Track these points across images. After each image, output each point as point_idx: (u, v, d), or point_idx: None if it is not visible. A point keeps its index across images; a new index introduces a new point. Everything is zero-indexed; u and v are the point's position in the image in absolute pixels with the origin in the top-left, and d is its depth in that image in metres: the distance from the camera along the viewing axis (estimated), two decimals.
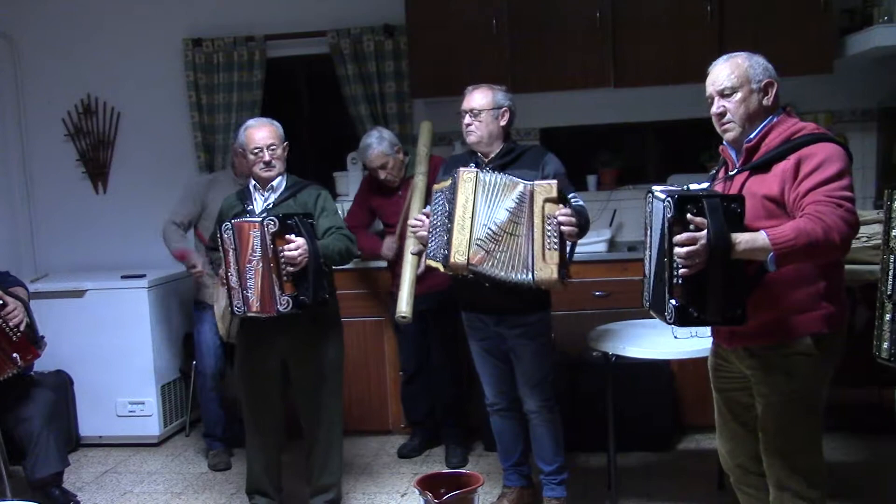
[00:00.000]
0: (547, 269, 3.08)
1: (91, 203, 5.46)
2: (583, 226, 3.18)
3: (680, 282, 2.30)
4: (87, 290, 4.74)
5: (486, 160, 3.36)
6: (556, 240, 3.07)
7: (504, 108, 3.37)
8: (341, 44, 4.99)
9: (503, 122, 3.37)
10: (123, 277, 4.77)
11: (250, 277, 3.22)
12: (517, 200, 3.12)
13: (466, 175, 3.18)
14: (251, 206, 3.43)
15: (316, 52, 5.16)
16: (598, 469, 4.01)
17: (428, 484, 2.58)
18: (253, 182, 3.49)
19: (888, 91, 4.71)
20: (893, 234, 1.90)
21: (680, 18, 4.46)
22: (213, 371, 4.42)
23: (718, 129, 2.61)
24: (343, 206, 4.58)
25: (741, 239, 2.27)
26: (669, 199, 2.30)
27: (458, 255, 3.14)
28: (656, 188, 2.54)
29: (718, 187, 2.61)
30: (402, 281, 3.80)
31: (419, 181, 4.03)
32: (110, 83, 5.33)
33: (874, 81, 4.72)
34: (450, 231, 3.16)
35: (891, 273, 1.92)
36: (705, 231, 2.25)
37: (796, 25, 4.34)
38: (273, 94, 5.20)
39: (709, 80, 2.60)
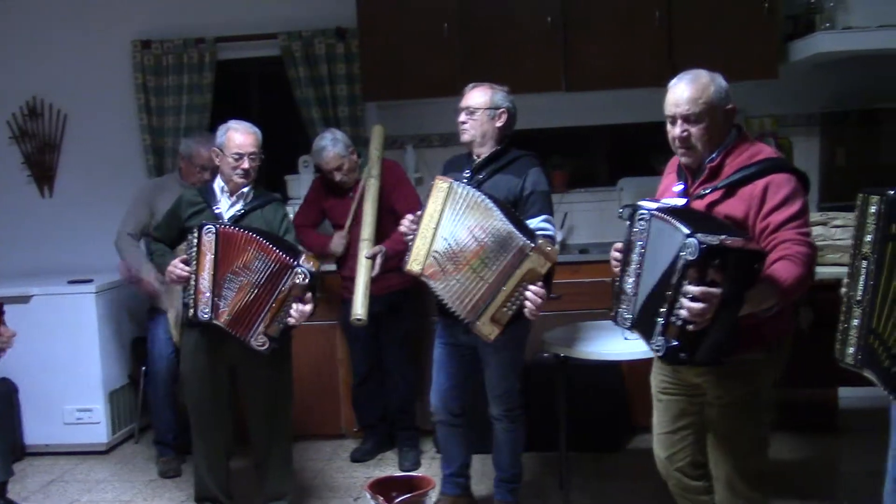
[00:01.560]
0: (489, 327, 2.98)
1: (37, 207, 5.35)
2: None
3: (679, 324, 2.26)
4: (33, 296, 4.65)
5: (477, 162, 3.31)
6: (515, 307, 2.95)
7: (501, 110, 3.30)
8: (292, 46, 4.96)
9: (499, 124, 3.30)
10: (70, 282, 4.69)
11: (229, 289, 3.17)
12: (497, 242, 2.95)
13: (440, 184, 3.11)
14: (217, 209, 3.38)
15: (267, 55, 5.12)
16: (550, 469, 4.04)
17: (380, 488, 2.58)
18: (220, 183, 3.43)
19: (830, 96, 4.82)
20: (866, 239, 1.91)
21: (630, 24, 4.52)
22: (166, 377, 4.36)
23: (676, 150, 2.61)
24: (295, 210, 4.55)
25: (753, 296, 2.26)
26: (696, 244, 2.18)
27: (415, 264, 3.10)
28: (649, 204, 2.49)
29: (698, 205, 2.59)
30: (357, 284, 3.79)
31: (371, 185, 4.03)
32: (57, 85, 5.23)
33: (817, 87, 4.83)
34: (415, 238, 3.12)
35: (862, 279, 1.92)
36: (720, 290, 2.19)
37: (742, 32, 4.42)
38: (224, 97, 5.15)
39: (671, 100, 2.57)
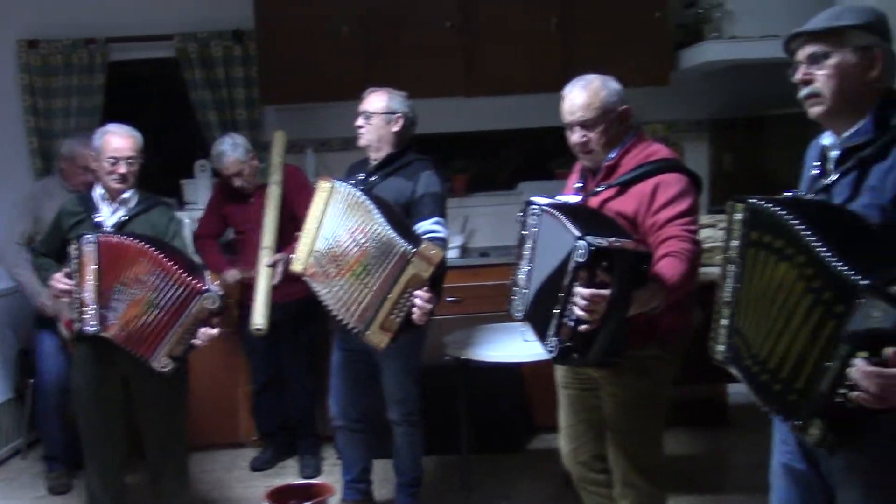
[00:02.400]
0: (379, 336, 2.90)
1: None
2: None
3: (571, 325, 2.29)
4: None
5: (372, 166, 3.31)
6: (403, 314, 2.87)
7: (398, 115, 3.29)
8: (188, 48, 4.86)
9: (395, 129, 3.29)
10: None
11: (118, 300, 3.03)
12: (378, 248, 2.89)
13: (323, 185, 3.11)
14: (98, 218, 3.26)
15: (162, 56, 5.00)
16: (451, 472, 4.06)
17: (278, 496, 2.56)
18: (100, 191, 3.32)
19: (719, 103, 5.01)
20: (733, 244, 1.99)
21: (528, 30, 4.59)
22: (56, 389, 4.19)
23: (577, 154, 2.68)
24: (192, 215, 4.46)
25: (641, 296, 2.30)
26: (586, 247, 2.21)
27: (297, 264, 3.08)
28: (541, 200, 2.56)
29: (593, 202, 2.66)
30: (257, 292, 3.73)
31: (274, 191, 3.97)
32: None
33: (706, 94, 5.00)
34: (299, 239, 3.11)
35: (729, 281, 2.00)
36: (609, 290, 2.23)
37: (635, 40, 4.54)
38: (116, 99, 5.00)
39: (566, 108, 2.63)
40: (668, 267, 2.39)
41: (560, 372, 2.88)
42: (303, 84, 4.59)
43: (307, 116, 4.97)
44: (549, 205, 2.53)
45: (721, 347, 2.04)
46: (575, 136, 2.64)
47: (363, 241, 2.92)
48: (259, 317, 3.64)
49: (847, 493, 1.95)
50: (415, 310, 2.86)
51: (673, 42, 4.72)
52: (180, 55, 4.87)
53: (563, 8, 4.56)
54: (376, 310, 2.89)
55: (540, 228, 2.55)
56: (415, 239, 2.90)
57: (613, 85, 2.65)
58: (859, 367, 1.63)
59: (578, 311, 2.24)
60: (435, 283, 2.90)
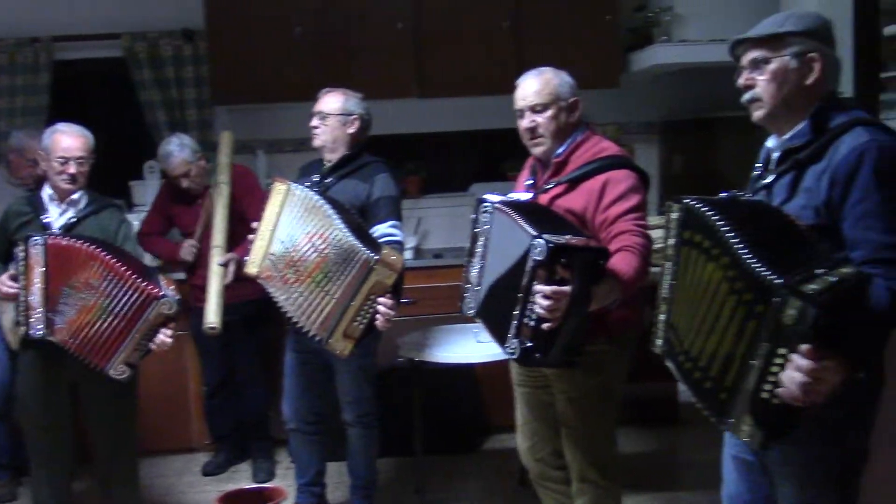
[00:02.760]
0: (342, 343, 2.88)
1: None
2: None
3: (532, 325, 2.29)
4: None
5: (326, 167, 3.29)
6: (366, 321, 2.86)
7: (354, 116, 3.29)
8: (137, 47, 4.78)
9: (351, 130, 3.29)
10: None
11: (66, 304, 2.96)
12: (339, 254, 2.85)
13: (279, 187, 3.07)
14: (46, 219, 3.20)
15: (110, 56, 4.91)
16: (406, 473, 4.06)
17: (230, 501, 2.53)
18: (49, 191, 3.25)
19: (668, 105, 5.08)
20: (670, 243, 2.05)
21: (480, 32, 4.60)
22: (1, 394, 4.09)
23: (527, 143, 2.70)
24: (140, 217, 4.38)
25: (600, 292, 2.32)
26: (544, 245, 2.23)
27: (252, 266, 3.05)
28: (492, 197, 2.58)
29: (542, 198, 2.69)
30: (209, 291, 3.69)
31: (224, 189, 3.93)
32: None
33: (656, 96, 5.07)
34: (254, 241, 3.08)
35: (667, 278, 2.06)
36: (570, 287, 2.24)
37: (586, 43, 4.58)
38: (62, 99, 4.90)
39: (519, 95, 2.69)
40: (623, 262, 2.41)
41: (514, 370, 2.90)
42: (254, 84, 4.55)
43: (259, 117, 4.93)
44: (502, 202, 2.55)
45: (659, 341, 2.12)
46: (524, 122, 2.68)
47: (323, 246, 2.88)
48: (212, 315, 3.60)
49: (783, 486, 2.02)
50: (378, 316, 2.85)
51: (623, 45, 4.78)
52: (128, 54, 4.79)
53: (514, 10, 4.59)
54: (339, 318, 2.86)
55: (492, 226, 2.56)
56: (375, 245, 2.88)
57: (566, 77, 2.71)
58: (787, 366, 1.68)
59: (540, 310, 2.25)
60: (396, 288, 2.89)
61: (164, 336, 2.97)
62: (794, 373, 1.67)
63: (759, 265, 1.73)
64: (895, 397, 2.09)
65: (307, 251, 2.91)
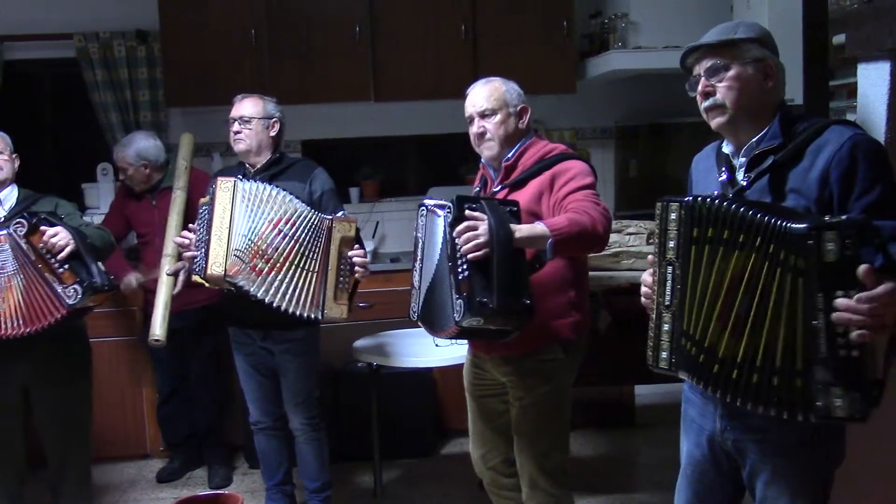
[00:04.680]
0: (338, 309, 3.08)
1: None
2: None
3: (466, 275, 2.29)
4: None
5: (253, 171, 3.30)
6: (348, 280, 3.09)
7: (275, 119, 3.34)
8: (89, 48, 4.71)
9: (273, 133, 3.33)
10: None
11: None
12: (309, 230, 3.07)
13: (224, 184, 3.09)
14: None
15: (61, 56, 4.83)
16: (363, 479, 4.05)
17: None
18: None
19: (624, 111, 5.13)
20: (669, 245, 1.96)
21: (436, 37, 4.61)
22: None
23: (478, 148, 2.74)
24: (94, 220, 4.31)
25: (521, 227, 2.35)
26: (451, 202, 2.37)
27: (216, 267, 3.03)
28: (429, 201, 2.62)
29: None
30: (157, 302, 3.62)
31: (179, 195, 3.87)
32: None
33: (612, 102, 5.12)
34: (208, 243, 3.06)
35: (668, 284, 1.96)
36: (486, 218, 2.30)
37: (543, 48, 4.61)
38: (12, 100, 4.81)
39: (468, 102, 2.73)
40: (559, 217, 2.43)
41: (467, 378, 2.90)
42: (209, 86, 4.50)
43: (214, 119, 4.86)
44: (435, 203, 2.58)
45: (664, 354, 1.98)
46: (474, 127, 2.72)
47: (293, 230, 3.04)
48: (157, 328, 3.52)
49: (774, 499, 1.98)
50: (356, 269, 3.09)
51: (579, 51, 4.82)
52: (81, 55, 4.71)
53: (471, 16, 4.61)
54: (324, 287, 3.07)
55: (426, 228, 2.62)
56: (326, 211, 3.19)
57: (514, 86, 2.76)
58: (842, 305, 1.65)
59: (465, 248, 2.27)
60: (359, 241, 3.15)
61: (49, 240, 2.92)
62: (858, 305, 1.63)
63: (785, 221, 1.73)
64: None
65: (275, 238, 3.04)
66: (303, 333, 3.31)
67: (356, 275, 3.11)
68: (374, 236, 4.89)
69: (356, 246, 3.12)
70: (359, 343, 3.75)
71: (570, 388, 2.75)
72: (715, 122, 2.02)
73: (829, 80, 3.30)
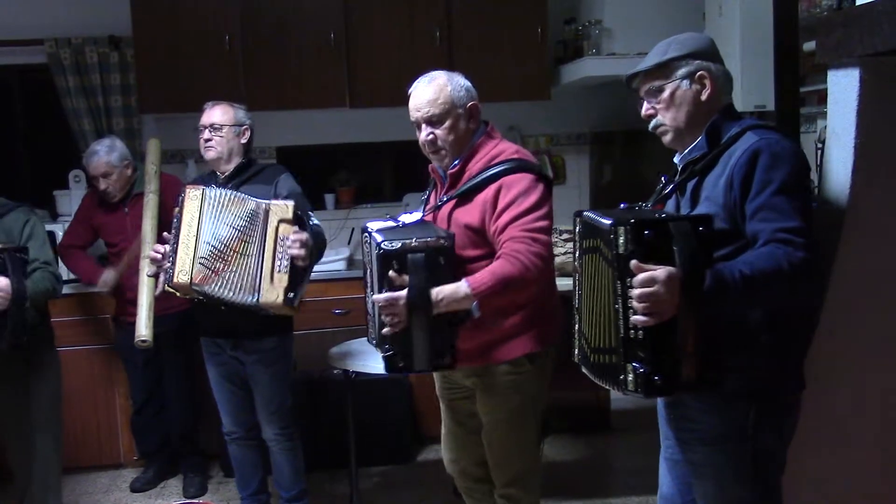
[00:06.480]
0: (273, 293, 3.01)
1: None
2: (319, 247, 3.15)
3: (387, 335, 2.33)
4: None
5: (223, 177, 3.29)
6: (286, 262, 3.01)
7: (245, 126, 3.34)
8: (61, 54, 4.66)
9: (243, 140, 3.33)
10: None
11: None
12: (249, 218, 3.07)
13: (192, 193, 3.10)
14: None
15: (32, 62, 4.78)
16: (340, 486, 4.03)
17: None
18: None
19: (598, 117, 5.16)
20: (576, 255, 2.12)
21: (411, 43, 4.61)
22: None
23: (429, 155, 2.64)
24: (65, 227, 4.27)
25: (444, 294, 2.32)
26: (376, 254, 2.33)
27: (182, 275, 3.03)
28: (372, 225, 2.54)
29: (428, 217, 2.65)
30: (140, 304, 3.60)
31: (150, 200, 3.85)
32: None
33: (587, 108, 5.15)
34: (176, 252, 3.05)
35: (577, 289, 2.12)
36: (405, 291, 2.29)
37: (517, 55, 4.63)
38: None
39: (412, 106, 2.58)
40: (486, 270, 2.38)
41: (438, 382, 2.88)
42: (182, 92, 4.47)
43: (188, 126, 4.80)
44: (378, 229, 2.51)
45: (576, 351, 2.17)
46: (422, 135, 2.58)
47: (238, 222, 3.07)
48: (143, 328, 3.51)
49: (706, 485, 2.09)
50: (293, 252, 2.98)
51: (554, 57, 4.84)
52: (52, 61, 4.67)
53: (446, 22, 4.62)
54: (260, 270, 3.03)
55: (371, 253, 2.51)
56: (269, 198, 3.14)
57: (461, 80, 2.60)
58: (631, 293, 1.79)
59: (383, 317, 2.30)
60: (300, 222, 3.06)
61: None
62: (634, 291, 1.78)
63: (605, 219, 1.89)
64: (819, 402, 2.16)
65: (230, 237, 3.06)
66: (273, 343, 3.29)
67: (293, 252, 2.98)
68: (349, 242, 4.88)
69: (295, 228, 3.03)
70: (335, 350, 3.74)
71: (542, 394, 2.71)
72: (665, 140, 2.15)
73: (799, 87, 3.34)
